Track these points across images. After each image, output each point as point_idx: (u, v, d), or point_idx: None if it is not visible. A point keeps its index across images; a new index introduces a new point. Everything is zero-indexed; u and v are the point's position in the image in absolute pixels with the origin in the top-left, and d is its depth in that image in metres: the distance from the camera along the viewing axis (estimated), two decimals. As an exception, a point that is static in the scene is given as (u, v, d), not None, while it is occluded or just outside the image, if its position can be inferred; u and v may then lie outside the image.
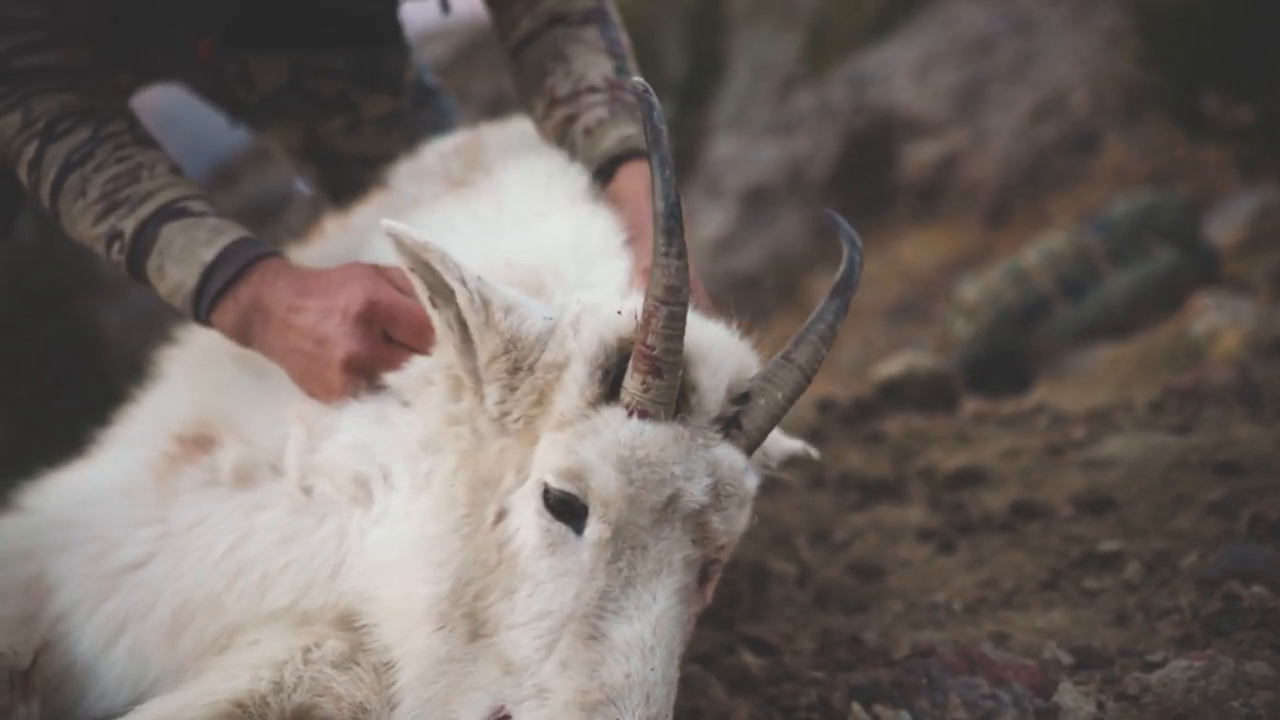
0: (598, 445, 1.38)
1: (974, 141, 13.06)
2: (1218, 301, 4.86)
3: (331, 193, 2.78)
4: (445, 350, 1.60)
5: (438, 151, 2.34)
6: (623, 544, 1.37)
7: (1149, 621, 1.97)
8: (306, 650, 1.57)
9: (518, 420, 1.48)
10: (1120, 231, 6.34)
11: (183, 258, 1.76)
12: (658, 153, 1.37)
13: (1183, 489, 2.45)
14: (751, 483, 1.47)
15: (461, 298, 1.46)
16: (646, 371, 1.38)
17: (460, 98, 3.26)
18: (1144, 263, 6.23)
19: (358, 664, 1.58)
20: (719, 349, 1.51)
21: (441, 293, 1.50)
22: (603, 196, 2.02)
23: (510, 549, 1.42)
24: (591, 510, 1.37)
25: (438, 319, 1.52)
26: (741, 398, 1.50)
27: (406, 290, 1.65)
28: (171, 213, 1.79)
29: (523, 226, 1.90)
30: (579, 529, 1.39)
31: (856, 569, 2.42)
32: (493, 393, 1.50)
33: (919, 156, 13.31)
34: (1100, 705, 1.61)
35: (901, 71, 13.59)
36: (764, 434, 1.51)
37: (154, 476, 1.86)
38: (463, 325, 1.51)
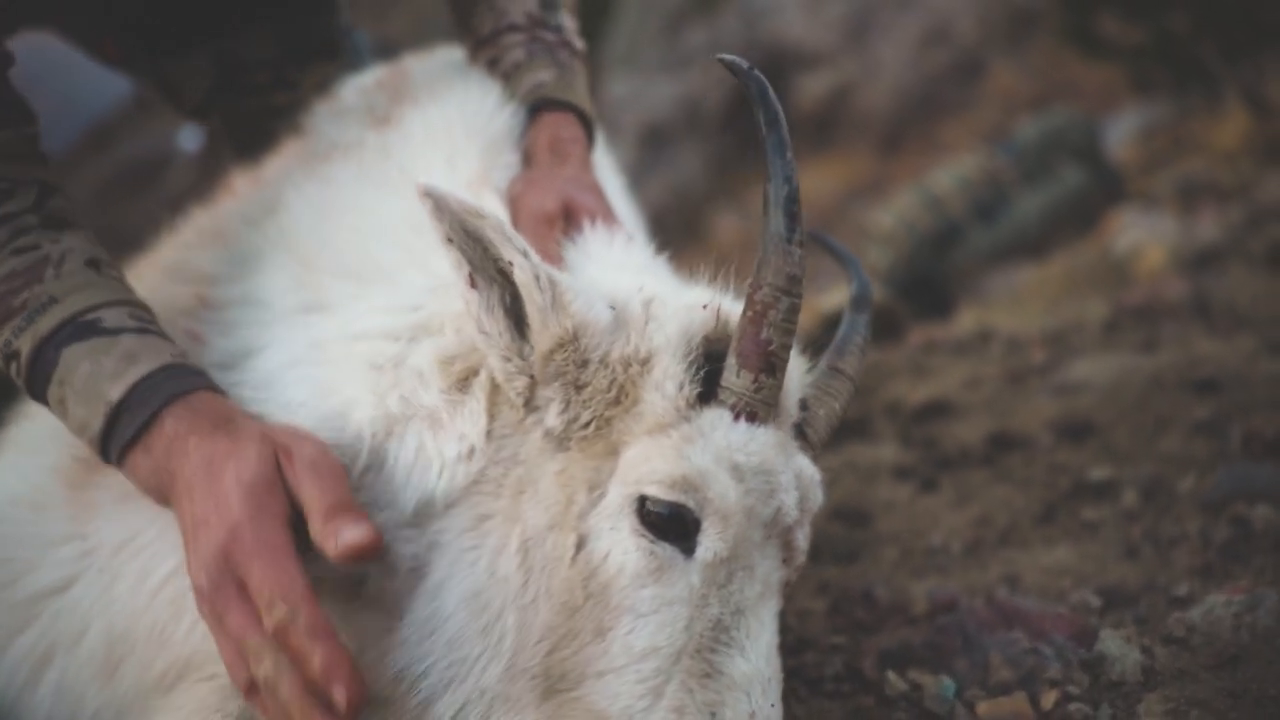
0: (711, 451, 1.19)
1: (865, 71, 13.10)
2: (1134, 219, 4.90)
3: (237, 146, 2.48)
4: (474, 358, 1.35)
5: (358, 87, 2.07)
6: (735, 564, 1.19)
7: (1160, 552, 1.90)
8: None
9: (587, 426, 1.25)
10: (1029, 153, 6.36)
11: (86, 393, 1.36)
12: (775, 133, 1.19)
13: (1163, 410, 2.40)
14: (822, 495, 1.34)
15: (524, 273, 1.22)
16: (760, 369, 1.20)
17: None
18: (1053, 183, 6.27)
19: None
20: None
21: (485, 270, 1.26)
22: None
23: (599, 581, 1.19)
24: (706, 525, 1.18)
25: (476, 304, 1.26)
26: (802, 404, 1.38)
27: (290, 479, 1.26)
28: (77, 329, 1.38)
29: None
30: (688, 549, 1.19)
31: (841, 514, 2.30)
32: (553, 394, 1.26)
33: (812, 88, 13.28)
34: (1146, 651, 1.52)
35: (791, 3, 13.48)
36: (823, 445, 1.39)
37: (66, 486, 1.58)
38: (509, 312, 1.27)
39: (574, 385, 1.26)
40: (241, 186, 2.01)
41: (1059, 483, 2.25)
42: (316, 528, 1.20)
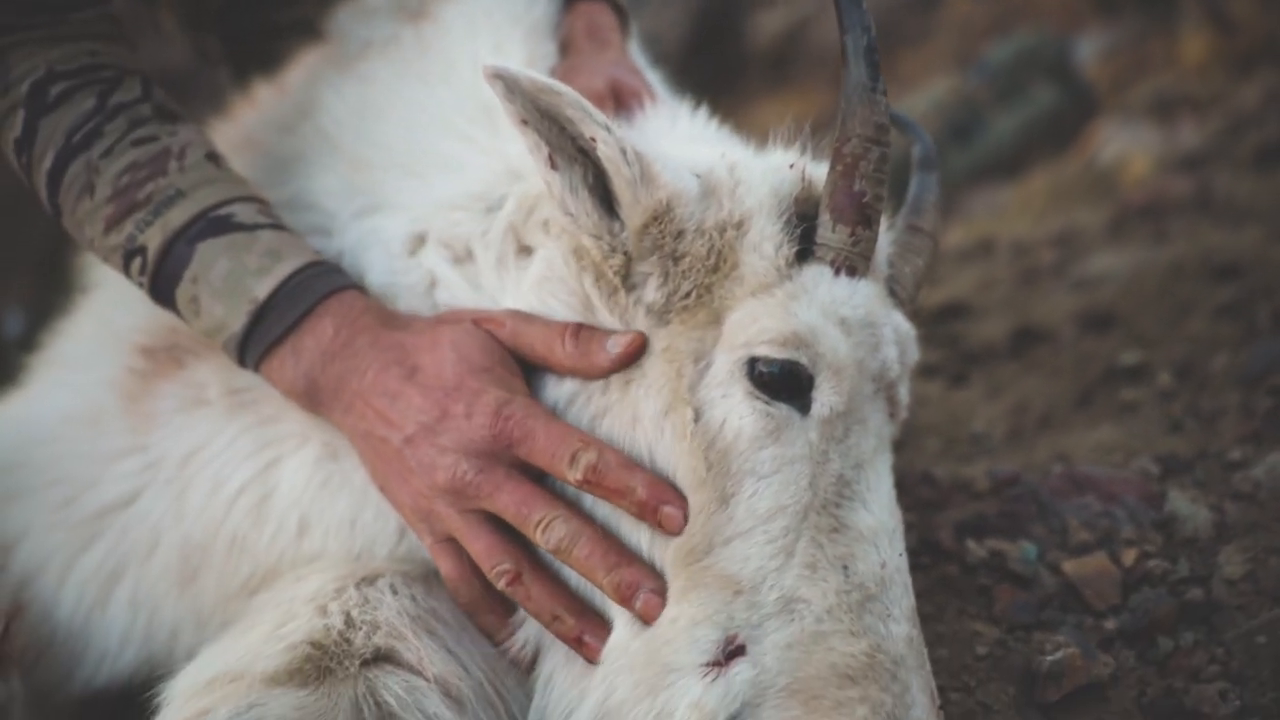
0: (817, 306, 1.18)
1: (821, 6, 13.02)
2: (1115, 131, 4.94)
3: (236, 66, 2.39)
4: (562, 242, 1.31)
5: (386, -19, 2.00)
6: (851, 419, 1.19)
7: (1205, 425, 1.93)
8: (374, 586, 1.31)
9: (688, 296, 1.23)
10: (1001, 74, 6.37)
11: (226, 290, 1.30)
12: None
13: (1185, 296, 2.43)
14: (918, 351, 1.35)
15: (609, 148, 1.18)
16: (856, 221, 1.19)
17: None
18: (1026, 103, 6.29)
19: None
20: None
21: (564, 150, 1.21)
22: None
23: (717, 449, 1.16)
24: (820, 381, 1.17)
25: (559, 186, 1.22)
26: (888, 263, 1.38)
27: (509, 340, 1.28)
28: (211, 224, 1.32)
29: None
30: (803, 406, 1.17)
31: (876, 414, 2.31)
32: (650, 268, 1.24)
33: (769, 26, 13.18)
34: (1215, 508, 1.55)
35: (746, -62, 13.32)
36: (912, 302, 1.40)
37: (122, 399, 1.54)
38: (593, 191, 1.23)
39: (671, 257, 1.24)
40: (265, 96, 1.94)
41: (1090, 370, 2.28)
42: (568, 352, 1.23)
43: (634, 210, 1.22)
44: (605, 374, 1.24)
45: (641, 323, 1.25)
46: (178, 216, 1.32)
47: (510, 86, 1.18)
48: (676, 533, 1.15)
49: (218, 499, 1.44)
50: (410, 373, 1.25)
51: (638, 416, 1.22)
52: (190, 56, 2.61)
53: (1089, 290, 2.65)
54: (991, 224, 4.22)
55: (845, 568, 1.11)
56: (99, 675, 1.49)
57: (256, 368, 1.34)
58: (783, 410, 1.17)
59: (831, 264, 1.21)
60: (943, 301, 2.86)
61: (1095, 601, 1.39)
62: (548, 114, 1.19)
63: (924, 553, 1.58)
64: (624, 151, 1.19)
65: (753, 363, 1.18)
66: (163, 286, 1.35)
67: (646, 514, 1.16)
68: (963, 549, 1.53)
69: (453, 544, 1.26)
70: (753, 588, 1.12)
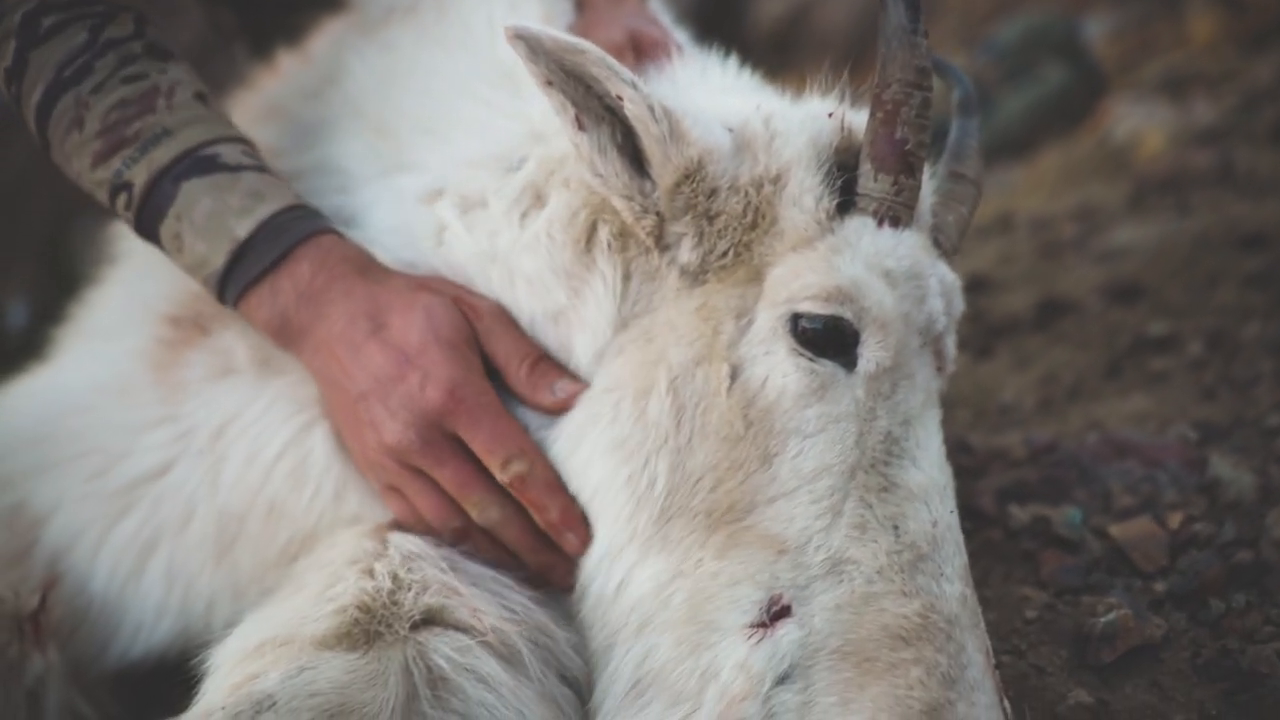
0: (860, 259, 1.15)
1: (823, -12, 12.98)
2: (1129, 108, 4.91)
3: (253, 43, 2.37)
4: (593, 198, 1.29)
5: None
6: (898, 374, 1.16)
7: (1239, 393, 1.92)
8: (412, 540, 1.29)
9: (725, 255, 1.20)
10: (1010, 53, 6.33)
11: (208, 228, 1.32)
12: None
13: (1213, 266, 2.41)
14: (964, 302, 1.33)
15: (636, 106, 1.15)
16: (899, 170, 1.15)
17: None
18: (1036, 82, 6.25)
19: None
20: None
21: (589, 109, 1.18)
22: None
23: (759, 407, 1.14)
24: (866, 336, 1.14)
25: (587, 147, 1.19)
26: (931, 212, 1.34)
27: (478, 317, 1.30)
28: (196, 163, 1.33)
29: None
30: (848, 363, 1.15)
31: (902, 387, 2.29)
32: (684, 228, 1.21)
33: (771, 10, 13.13)
34: (1258, 472, 1.54)
35: (748, -80, 13.27)
36: (956, 251, 1.38)
37: (152, 368, 1.52)
38: (622, 153, 1.20)
39: (705, 216, 1.21)
40: (289, 65, 1.92)
41: (1118, 340, 2.26)
42: (521, 377, 1.25)
43: (665, 169, 1.19)
44: (544, 411, 1.27)
45: (673, 286, 1.23)
46: (163, 155, 1.33)
47: (533, 47, 1.14)
48: (572, 555, 1.23)
49: (255, 468, 1.42)
50: (377, 329, 1.27)
51: (669, 368, 1.20)
52: (205, 31, 2.58)
53: (1113, 262, 2.63)
54: (1005, 201, 4.19)
55: (896, 527, 1.09)
56: (134, 647, 1.47)
57: (235, 305, 1.36)
58: (828, 367, 1.14)
59: (874, 215, 1.18)
60: (964, 275, 2.83)
61: (1143, 564, 1.38)
62: (573, 73, 1.16)
63: (966, 518, 1.55)
64: (652, 109, 1.16)
65: (796, 319, 1.15)
66: (148, 222, 1.37)
67: (551, 532, 1.23)
68: (1005, 514, 1.52)
69: (399, 491, 1.30)
70: (798, 548, 1.09)
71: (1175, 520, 1.45)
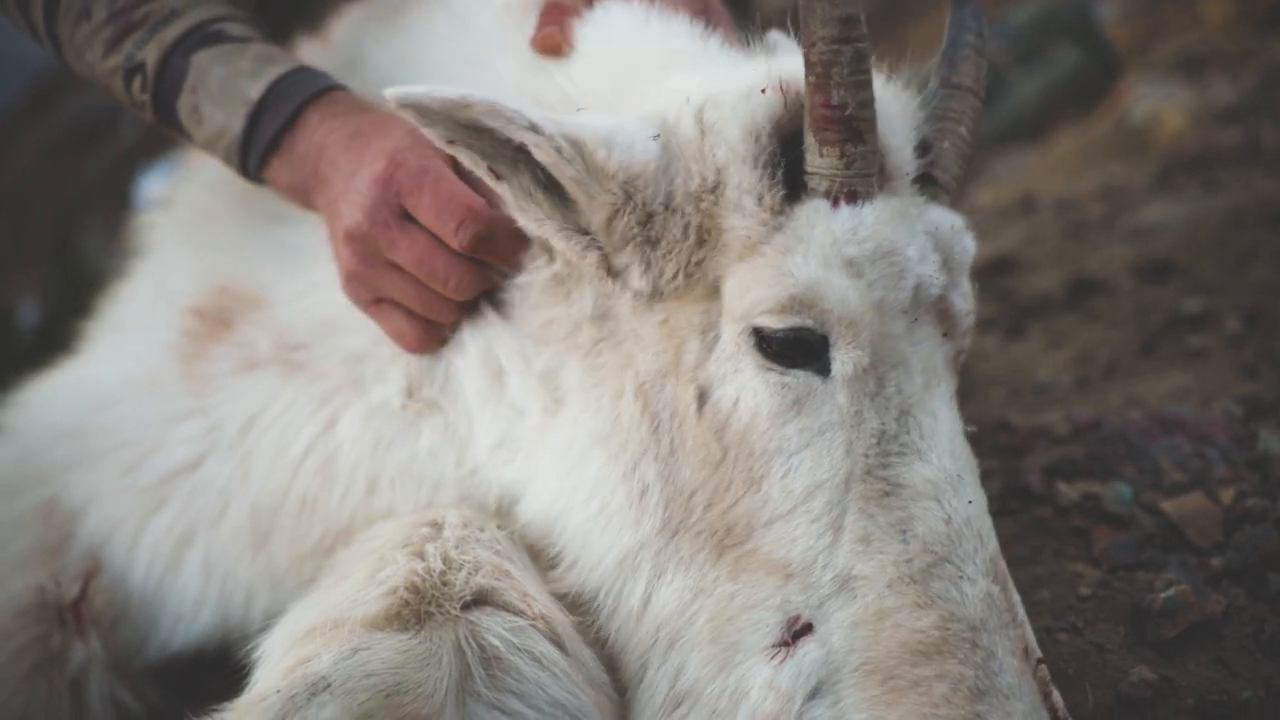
0: (815, 254, 1.04)
1: (829, -23, 12.95)
2: (1147, 89, 4.87)
3: (273, 29, 2.35)
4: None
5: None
6: (884, 367, 1.07)
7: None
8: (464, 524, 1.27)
9: (675, 277, 1.13)
10: (1023, 36, 6.28)
11: (223, 95, 1.34)
12: None
13: (1245, 244, 2.38)
14: (973, 242, 1.20)
15: (543, 151, 1.07)
16: (843, 139, 1.03)
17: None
18: (1049, 65, 6.20)
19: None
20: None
21: (501, 157, 1.12)
22: None
23: (734, 430, 1.08)
24: (835, 339, 1.05)
25: (510, 196, 1.14)
26: (922, 146, 1.20)
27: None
28: (204, 37, 1.37)
29: None
30: (822, 369, 1.06)
31: (934, 368, 2.26)
32: (628, 258, 1.14)
33: (776, 1, 13.11)
34: (1310, 444, 1.51)
35: (751, -91, 13.19)
36: (958, 181, 1.23)
37: (180, 361, 1.51)
38: (549, 191, 1.13)
39: (647, 243, 1.13)
40: (309, 50, 1.90)
41: (1152, 318, 2.23)
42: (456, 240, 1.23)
43: (591, 207, 1.12)
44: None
45: (629, 305, 1.17)
46: (172, 33, 1.37)
47: (422, 112, 1.08)
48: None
49: (283, 463, 1.41)
50: (360, 140, 1.30)
51: (636, 373, 1.16)
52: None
53: (1142, 240, 2.60)
54: (1025, 183, 4.16)
55: (903, 533, 1.02)
56: (175, 639, 1.46)
57: (260, 170, 1.37)
58: (800, 378, 1.06)
59: (827, 195, 1.06)
60: (990, 257, 2.81)
61: (1198, 540, 1.35)
62: (469, 127, 1.10)
63: (1012, 497, 1.54)
64: (560, 150, 1.08)
65: (757, 333, 1.07)
66: (165, 101, 1.39)
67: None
68: (1053, 492, 1.49)
69: (382, 305, 1.30)
70: (804, 570, 1.04)
71: (1228, 495, 1.42)
